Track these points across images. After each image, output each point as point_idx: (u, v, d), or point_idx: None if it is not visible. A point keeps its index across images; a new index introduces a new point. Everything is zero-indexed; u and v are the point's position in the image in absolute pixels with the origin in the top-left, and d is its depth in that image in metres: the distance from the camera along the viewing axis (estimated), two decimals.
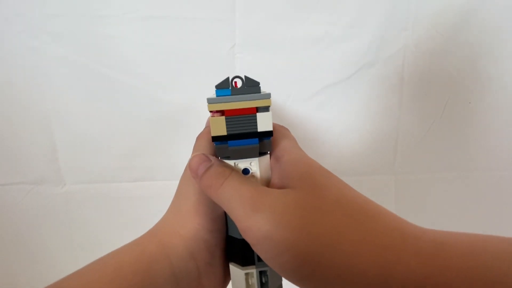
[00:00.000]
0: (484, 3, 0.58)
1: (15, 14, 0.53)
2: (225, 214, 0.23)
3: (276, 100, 0.60)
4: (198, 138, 0.28)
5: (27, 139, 0.58)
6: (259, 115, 0.18)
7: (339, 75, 0.60)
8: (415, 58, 0.60)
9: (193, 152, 0.26)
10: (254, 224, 0.16)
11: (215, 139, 0.19)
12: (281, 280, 0.22)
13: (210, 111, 0.19)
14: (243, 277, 0.21)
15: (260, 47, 0.58)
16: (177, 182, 0.62)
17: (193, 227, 0.21)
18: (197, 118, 0.60)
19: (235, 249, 0.21)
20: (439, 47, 0.60)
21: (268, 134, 0.19)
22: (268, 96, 0.18)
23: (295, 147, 0.22)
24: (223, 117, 0.18)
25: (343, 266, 0.15)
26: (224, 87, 0.18)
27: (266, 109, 0.18)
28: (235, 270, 0.22)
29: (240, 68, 0.58)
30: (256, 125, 0.18)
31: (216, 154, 0.21)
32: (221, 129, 0.18)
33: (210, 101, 0.18)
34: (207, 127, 0.28)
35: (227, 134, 0.19)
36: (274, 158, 0.21)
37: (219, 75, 0.58)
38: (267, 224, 0.16)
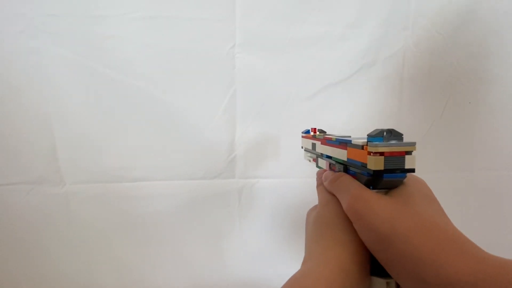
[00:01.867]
0: (484, 4, 0.58)
1: (15, 14, 0.53)
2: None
3: (276, 100, 0.60)
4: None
5: (27, 139, 0.58)
6: (407, 157, 0.25)
7: (339, 75, 0.60)
8: (415, 58, 0.60)
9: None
10: (356, 207, 0.25)
11: (374, 172, 0.25)
12: None
13: (371, 152, 0.25)
14: (384, 285, 0.26)
15: (260, 47, 0.58)
16: (177, 182, 0.62)
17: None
18: (197, 118, 0.60)
19: (378, 263, 0.26)
20: (439, 47, 0.60)
21: (411, 171, 0.26)
22: (413, 144, 0.25)
23: None
24: (383, 157, 0.25)
25: (402, 250, 0.22)
26: (377, 136, 0.25)
27: (411, 153, 0.25)
28: (376, 280, 0.27)
29: (239, 67, 0.58)
30: (404, 164, 0.25)
31: (366, 184, 0.28)
32: (379, 165, 0.25)
33: (372, 145, 0.25)
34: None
35: (384, 169, 0.25)
36: None
37: (219, 75, 0.58)
38: (364, 209, 0.25)
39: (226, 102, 0.60)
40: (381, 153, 0.25)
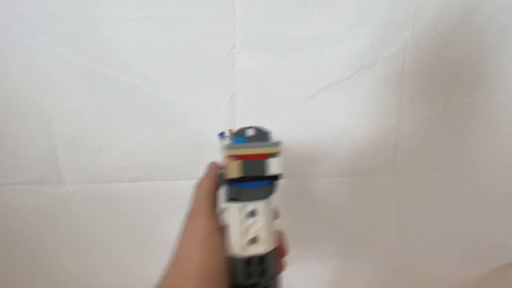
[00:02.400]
0: (484, 3, 0.58)
1: (15, 14, 0.53)
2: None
3: (276, 100, 0.60)
4: (199, 186, 0.30)
5: (27, 139, 0.58)
6: (270, 161, 0.20)
7: (339, 75, 0.60)
8: (415, 58, 0.60)
9: (194, 198, 0.30)
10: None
11: (230, 181, 0.21)
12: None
13: (226, 156, 0.21)
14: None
15: (260, 47, 0.58)
16: (177, 182, 0.62)
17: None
18: (196, 118, 0.60)
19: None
20: (439, 47, 0.60)
21: (276, 178, 0.21)
22: (277, 144, 0.20)
23: None
24: (238, 161, 0.21)
25: None
26: (240, 135, 0.21)
27: (276, 155, 0.20)
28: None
29: (239, 67, 0.58)
30: (266, 169, 0.20)
31: (229, 197, 0.23)
32: (236, 171, 0.21)
33: (226, 147, 0.21)
34: (209, 173, 0.30)
35: (242, 176, 0.21)
36: None
37: (219, 75, 0.58)
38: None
39: (226, 102, 0.60)
40: (239, 157, 0.21)
